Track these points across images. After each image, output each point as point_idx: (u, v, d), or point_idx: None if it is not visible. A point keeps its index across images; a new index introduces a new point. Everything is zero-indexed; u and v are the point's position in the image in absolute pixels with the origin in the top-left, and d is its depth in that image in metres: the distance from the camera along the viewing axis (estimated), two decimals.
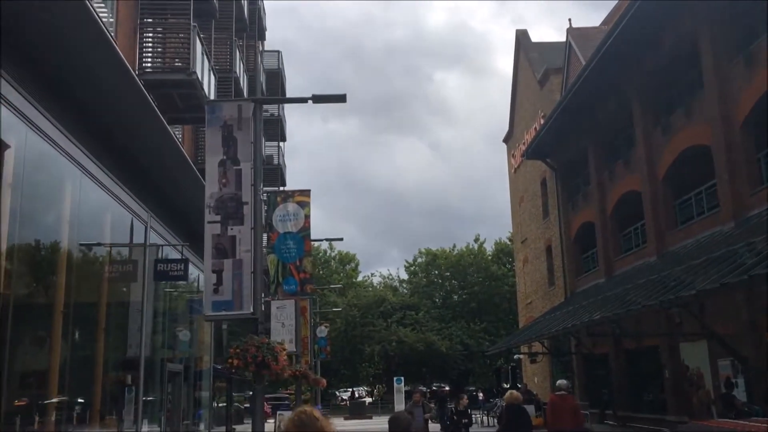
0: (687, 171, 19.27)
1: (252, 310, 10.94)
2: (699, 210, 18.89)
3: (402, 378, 43.18)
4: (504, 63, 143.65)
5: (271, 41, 36.65)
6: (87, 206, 12.12)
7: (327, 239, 23.29)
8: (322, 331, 37.53)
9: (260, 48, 33.36)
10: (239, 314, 10.98)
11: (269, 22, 37.07)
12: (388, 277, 65.99)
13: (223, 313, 10.94)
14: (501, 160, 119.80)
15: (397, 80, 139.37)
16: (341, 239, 23.58)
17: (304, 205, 11.41)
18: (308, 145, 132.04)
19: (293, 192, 11.56)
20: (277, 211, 11.42)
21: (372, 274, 79.02)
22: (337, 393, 61.77)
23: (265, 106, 38.04)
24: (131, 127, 12.14)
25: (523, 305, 36.99)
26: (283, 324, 22.59)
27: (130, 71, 10.44)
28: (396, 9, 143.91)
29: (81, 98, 10.57)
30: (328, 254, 65.10)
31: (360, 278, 66.68)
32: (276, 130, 37.38)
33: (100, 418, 12.24)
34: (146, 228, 14.62)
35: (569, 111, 25.10)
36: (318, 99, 12.12)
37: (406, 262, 65.60)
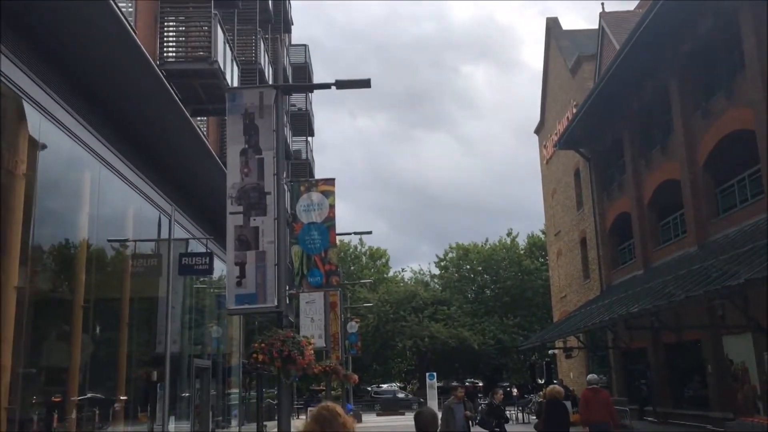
0: (729, 157, 18.45)
1: (276, 304, 10.60)
2: (742, 197, 18.06)
3: (434, 373, 42.68)
4: (531, 55, 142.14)
5: (297, 38, 36.43)
6: (109, 200, 11.91)
7: (355, 233, 22.95)
8: (353, 326, 37.26)
9: (287, 42, 33.14)
10: (263, 308, 10.65)
11: (295, 19, 36.83)
12: (419, 272, 65.52)
13: (246, 306, 10.61)
14: (531, 153, 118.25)
15: (424, 75, 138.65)
16: (370, 232, 23.25)
17: (329, 194, 11.02)
18: (337, 142, 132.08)
19: (317, 181, 11.18)
20: (301, 201, 11.04)
21: (402, 269, 78.60)
22: (369, 388, 61.44)
23: (292, 101, 38.05)
24: (153, 118, 11.89)
25: (557, 299, 36.24)
26: (312, 319, 22.36)
27: (150, 61, 10.15)
28: (421, 3, 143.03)
29: (101, 90, 10.34)
30: (358, 250, 64.86)
31: (391, 274, 66.30)
32: (304, 124, 37.16)
33: (131, 415, 12.04)
34: (170, 222, 14.39)
35: (603, 98, 24.34)
36: (342, 84, 11.71)
37: (437, 257, 65.13)
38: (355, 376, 36.03)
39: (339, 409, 3.96)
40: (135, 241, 13.27)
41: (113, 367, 11.70)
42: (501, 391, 14.34)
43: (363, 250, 65.07)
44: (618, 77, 22.58)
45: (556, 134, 32.94)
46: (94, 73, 9.84)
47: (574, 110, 28.63)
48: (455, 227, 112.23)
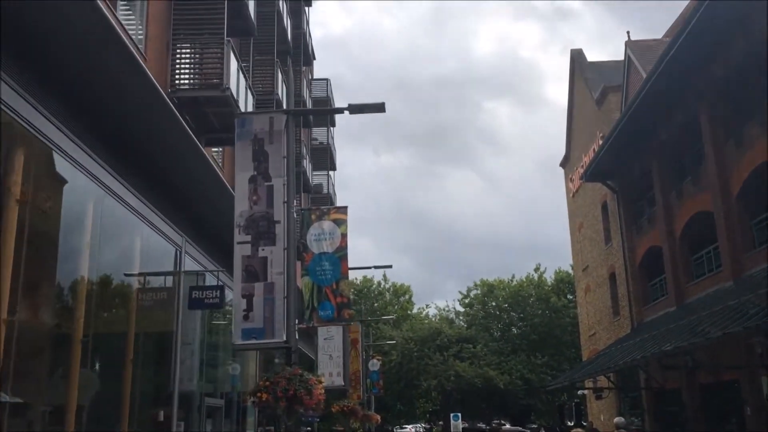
0: (764, 187, 17.60)
1: (285, 338, 10.02)
2: None
3: (459, 414, 41.57)
4: (554, 92, 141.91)
5: (319, 73, 36.37)
6: (114, 231, 11.50)
7: (376, 266, 22.31)
8: (375, 364, 36.33)
9: (308, 75, 33.05)
10: (271, 343, 10.07)
11: (318, 55, 36.81)
12: (443, 309, 64.39)
13: (254, 341, 10.04)
14: (556, 189, 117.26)
15: (446, 111, 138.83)
16: (390, 266, 22.58)
17: (341, 223, 10.47)
18: (360, 178, 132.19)
19: (329, 209, 10.65)
20: (312, 230, 10.51)
21: (427, 305, 77.37)
22: (392, 430, 60.01)
23: (314, 135, 37.76)
24: (162, 147, 11.51)
25: (585, 337, 35.06)
26: (331, 356, 21.64)
27: (158, 89, 9.78)
28: (444, 39, 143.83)
29: (108, 119, 9.99)
30: (381, 286, 64.09)
31: (414, 310, 65.27)
32: (325, 158, 36.94)
33: None
34: (180, 253, 13.94)
35: (630, 128, 23.64)
36: (355, 109, 11.27)
37: (460, 293, 64.02)
38: (377, 416, 35.04)
39: None
40: (144, 274, 12.81)
41: (116, 405, 11.13)
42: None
43: (387, 286, 64.26)
44: (645, 106, 21.90)
45: (582, 167, 32.21)
46: (99, 101, 9.49)
47: (600, 142, 27.93)
48: (480, 264, 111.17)
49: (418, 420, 63.68)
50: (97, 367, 10.28)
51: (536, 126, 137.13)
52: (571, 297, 57.91)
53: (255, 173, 10.66)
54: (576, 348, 53.62)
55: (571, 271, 59.56)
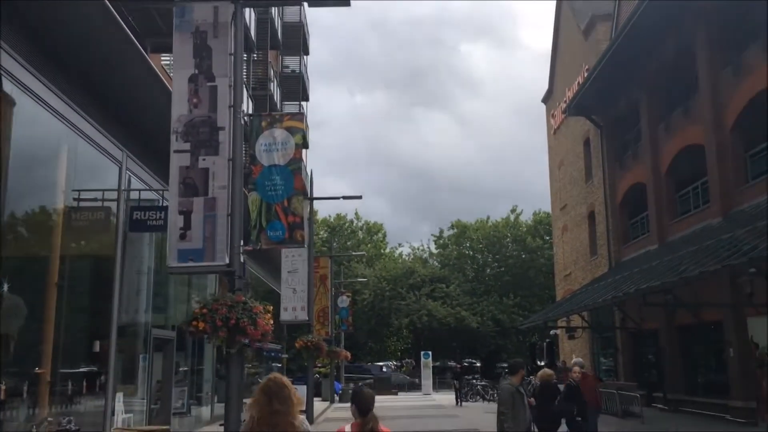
0: (762, 117, 16.42)
1: (227, 261, 8.69)
2: None
3: (430, 353, 41.03)
4: (531, 34, 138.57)
5: (291, 15, 34.04)
6: (46, 145, 10.03)
7: (345, 197, 20.93)
8: (344, 301, 35.38)
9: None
10: (211, 266, 8.73)
11: None
12: (418, 248, 63.58)
13: (191, 264, 8.69)
14: (533, 135, 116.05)
15: (422, 53, 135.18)
16: (360, 197, 21.20)
17: (295, 131, 9.05)
18: (335, 120, 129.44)
19: (282, 115, 9.21)
20: (262, 139, 9.09)
21: (400, 244, 76.54)
22: (365, 367, 59.79)
23: (285, 62, 35.63)
24: (100, 50, 9.96)
25: (561, 277, 34.34)
26: (295, 290, 20.45)
27: None
28: None
29: (37, 20, 8.39)
30: (354, 224, 62.91)
31: (388, 250, 64.35)
32: (297, 87, 35.09)
33: (59, 392, 10.18)
34: (121, 170, 12.46)
35: (619, 58, 22.23)
36: (315, 2, 9.70)
37: (433, 235, 63.21)
38: (346, 353, 34.29)
39: (285, 380, 4.16)
40: (79, 192, 11.34)
41: (38, 333, 9.82)
42: (578, 368, 12.49)
43: (359, 224, 63.10)
44: (637, 33, 20.47)
45: (564, 102, 30.85)
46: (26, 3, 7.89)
47: (586, 75, 26.50)
48: (456, 208, 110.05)
49: (389, 358, 63.53)
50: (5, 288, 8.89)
51: (513, 70, 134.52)
52: (548, 238, 57.35)
53: (196, 71, 9.11)
54: (549, 289, 53.25)
55: (549, 213, 58.94)
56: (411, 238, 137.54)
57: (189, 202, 8.83)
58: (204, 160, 8.93)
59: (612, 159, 26.15)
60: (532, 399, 8.39)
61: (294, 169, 9.07)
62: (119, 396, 12.22)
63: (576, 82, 28.92)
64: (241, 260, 8.80)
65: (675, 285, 14.33)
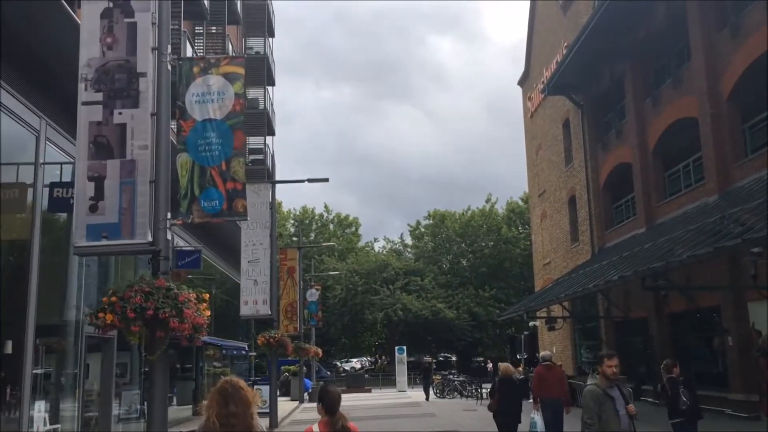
0: (761, 85, 15.04)
1: (149, 239, 6.98)
2: None
3: (404, 348, 39.47)
4: (496, 28, 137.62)
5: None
6: None
7: (309, 180, 19.20)
8: (313, 294, 33.63)
9: None
10: (129, 245, 7.00)
11: None
12: (392, 241, 61.98)
13: (104, 243, 6.96)
14: (502, 127, 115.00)
15: (388, 45, 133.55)
16: (326, 180, 19.46)
17: (235, 78, 7.37)
18: (302, 114, 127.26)
19: (218, 59, 7.49)
20: (193, 88, 7.40)
21: (375, 239, 74.90)
22: (338, 363, 58.13)
23: (249, 44, 33.73)
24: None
25: (539, 266, 32.95)
26: (256, 282, 18.66)
27: None
28: None
29: None
30: (325, 217, 61.11)
31: (362, 244, 62.62)
32: (261, 69, 33.15)
33: None
34: (38, 140, 10.63)
35: (601, 29, 20.75)
36: None
37: (409, 225, 61.63)
38: (316, 350, 32.56)
39: (242, 383, 4.14)
40: None
41: None
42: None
43: (330, 217, 61.30)
44: (621, 2, 19.03)
45: (542, 82, 29.42)
46: None
47: (565, 52, 25.07)
48: (427, 202, 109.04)
49: (363, 354, 61.91)
50: None
51: (481, 62, 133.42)
52: (522, 229, 56.15)
53: (110, 4, 7.38)
54: (526, 281, 52.03)
55: (521, 202, 57.70)
56: (382, 232, 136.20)
57: (101, 166, 7.11)
58: (120, 114, 7.21)
59: (594, 140, 24.76)
60: (632, 406, 6.19)
61: (233, 124, 7.38)
62: (39, 405, 10.41)
63: (554, 61, 27.49)
64: (168, 237, 7.09)
65: (673, 267, 12.87)
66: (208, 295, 7.01)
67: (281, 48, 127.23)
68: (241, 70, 7.48)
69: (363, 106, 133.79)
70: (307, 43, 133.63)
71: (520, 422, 11.66)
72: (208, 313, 7.02)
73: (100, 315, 6.32)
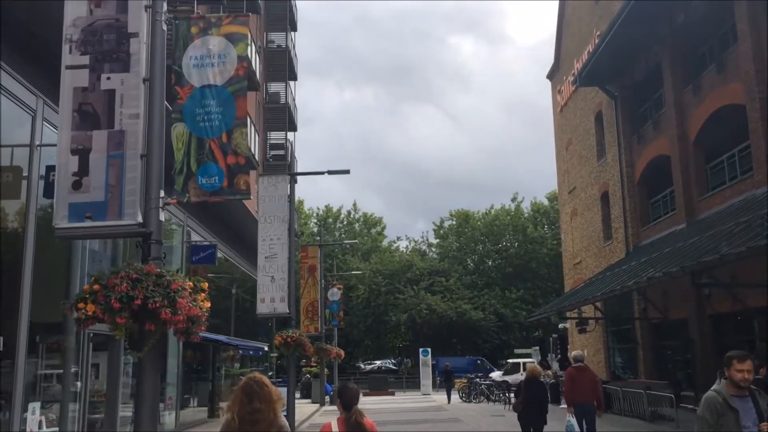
0: None
1: (140, 220, 6.14)
2: None
3: (429, 350, 38.46)
4: (518, 28, 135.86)
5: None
6: None
7: (330, 172, 18.32)
8: (335, 293, 32.73)
9: None
10: (117, 227, 6.15)
11: None
12: (416, 241, 60.97)
13: (88, 224, 6.12)
14: (523, 131, 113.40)
15: (409, 46, 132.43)
16: (347, 171, 18.58)
17: (238, 39, 6.51)
18: (325, 116, 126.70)
19: (220, 17, 6.62)
20: (192, 50, 6.57)
21: (398, 238, 73.86)
22: (361, 365, 57.24)
23: (270, 36, 33.04)
24: None
25: (570, 266, 31.74)
26: (273, 278, 17.79)
27: None
28: None
29: None
30: (351, 216, 60.32)
31: (386, 243, 61.68)
32: (283, 63, 32.44)
33: None
34: (34, 119, 9.92)
35: (636, 17, 19.61)
36: None
37: (434, 224, 60.58)
38: (338, 351, 31.67)
39: (266, 380, 4.15)
40: None
41: None
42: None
43: (357, 216, 60.49)
44: None
45: (573, 74, 28.28)
46: None
47: (598, 41, 23.92)
48: (450, 204, 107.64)
49: (387, 356, 60.95)
50: None
51: (502, 63, 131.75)
52: (548, 229, 54.87)
53: None
54: (553, 282, 50.74)
55: (546, 202, 56.38)
56: (406, 234, 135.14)
57: (86, 138, 6.28)
58: (109, 79, 6.38)
59: (628, 132, 23.58)
60: (765, 424, 4.92)
61: (236, 90, 6.51)
62: (34, 407, 9.65)
63: (586, 51, 26.35)
64: (161, 218, 6.23)
65: (729, 261, 11.77)
66: (206, 284, 6.13)
67: (303, 48, 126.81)
68: (245, 30, 6.61)
69: (385, 107, 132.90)
70: (329, 45, 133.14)
71: (545, 423, 11.25)
72: (208, 304, 6.15)
73: (80, 306, 5.47)
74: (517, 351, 46.70)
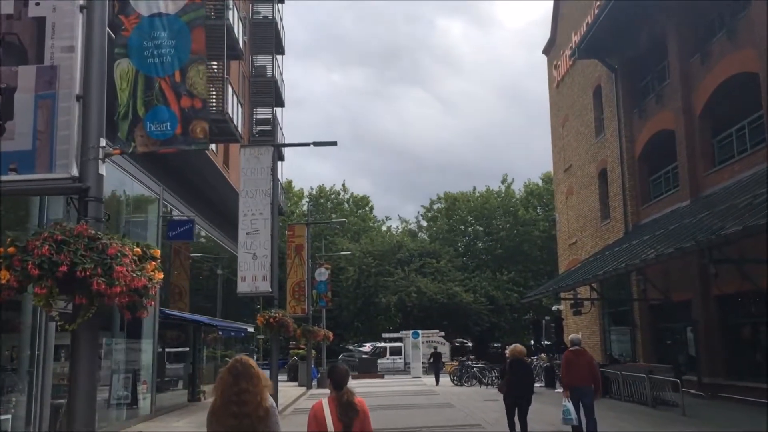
0: None
1: (75, 173, 5.11)
2: None
3: (419, 332, 37.61)
4: (508, 12, 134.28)
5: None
6: None
7: (315, 143, 17.26)
8: (322, 273, 31.75)
9: None
10: (47, 181, 5.13)
11: None
12: (407, 221, 60.07)
13: (12, 177, 5.09)
14: (514, 116, 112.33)
15: (398, 28, 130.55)
16: (335, 143, 17.53)
17: None
18: (313, 99, 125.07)
19: None
20: None
21: (387, 218, 72.80)
22: (351, 348, 56.41)
23: (256, 7, 31.74)
24: None
25: (564, 247, 30.87)
26: (255, 255, 16.77)
27: None
28: None
29: None
30: (341, 196, 59.29)
31: (375, 224, 60.74)
32: (269, 36, 31.19)
33: None
34: None
35: None
36: None
37: (423, 207, 59.66)
38: (326, 333, 30.76)
39: (252, 361, 4.17)
40: None
41: None
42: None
43: (346, 196, 59.48)
44: None
45: (570, 48, 27.25)
46: None
47: (597, 11, 22.87)
48: (440, 187, 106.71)
49: (377, 338, 60.14)
50: None
51: (491, 46, 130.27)
52: (540, 210, 54.04)
53: None
54: (545, 264, 49.93)
55: (541, 183, 55.48)
56: (396, 217, 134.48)
57: (11, 74, 5.24)
58: (38, 4, 5.33)
59: (629, 106, 22.63)
60: None
61: (191, 20, 5.47)
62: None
63: (584, 24, 25.30)
64: (101, 171, 5.20)
65: (751, 233, 10.87)
66: (157, 252, 5.12)
67: (292, 30, 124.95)
68: None
69: (374, 90, 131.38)
70: (317, 26, 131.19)
71: (530, 404, 11.00)
72: (160, 275, 5.14)
73: None
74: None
